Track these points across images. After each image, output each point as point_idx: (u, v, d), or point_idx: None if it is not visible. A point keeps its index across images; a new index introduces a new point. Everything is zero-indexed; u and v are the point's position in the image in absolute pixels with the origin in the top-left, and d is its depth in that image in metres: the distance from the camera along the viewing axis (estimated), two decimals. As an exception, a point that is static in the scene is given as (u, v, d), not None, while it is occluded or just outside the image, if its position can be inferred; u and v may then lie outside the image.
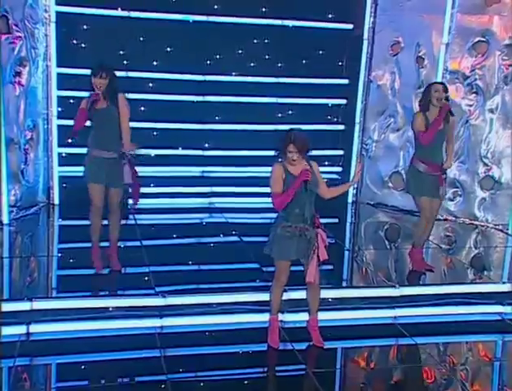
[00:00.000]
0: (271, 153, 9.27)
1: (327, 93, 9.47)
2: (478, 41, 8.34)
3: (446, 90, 6.35)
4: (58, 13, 8.08)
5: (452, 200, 8.64)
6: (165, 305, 5.48)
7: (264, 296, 5.50)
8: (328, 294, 5.79)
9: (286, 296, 5.37)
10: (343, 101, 9.45)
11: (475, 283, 6.64)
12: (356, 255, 7.56)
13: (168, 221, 8.29)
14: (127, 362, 5.04)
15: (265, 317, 5.33)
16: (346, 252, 7.57)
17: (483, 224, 8.40)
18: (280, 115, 9.46)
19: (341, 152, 9.44)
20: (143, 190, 8.43)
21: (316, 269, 4.95)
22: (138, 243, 7.00)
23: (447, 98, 6.32)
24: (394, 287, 6.13)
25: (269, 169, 8.85)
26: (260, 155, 9.08)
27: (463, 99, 8.51)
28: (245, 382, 4.93)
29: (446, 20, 8.38)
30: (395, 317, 5.91)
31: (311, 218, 4.92)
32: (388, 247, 7.86)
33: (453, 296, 6.21)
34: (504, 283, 6.46)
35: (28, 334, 5.19)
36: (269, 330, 5.20)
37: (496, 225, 8.32)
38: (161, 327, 5.40)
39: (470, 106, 8.48)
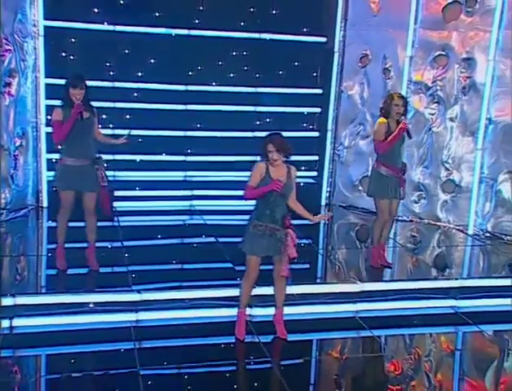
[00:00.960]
0: (250, 158, 9.39)
1: (302, 102, 9.58)
2: (439, 54, 8.44)
3: (405, 104, 6.46)
4: (46, 27, 8.12)
5: (417, 203, 8.74)
6: (140, 300, 5.59)
7: (233, 292, 5.62)
8: (294, 290, 5.90)
9: (254, 291, 5.47)
10: (318, 109, 9.53)
11: (431, 279, 6.77)
12: (329, 254, 7.66)
13: (151, 223, 8.36)
14: (104, 353, 5.16)
15: (233, 311, 5.44)
16: (320, 251, 7.70)
17: (445, 225, 8.51)
18: (258, 122, 9.54)
19: (316, 158, 9.53)
20: (129, 193, 8.78)
21: (286, 264, 5.09)
22: (119, 244, 7.12)
23: (405, 111, 6.42)
24: (355, 283, 6.28)
25: (247, 173, 8.89)
26: (239, 161, 9.22)
27: (426, 108, 8.61)
28: (213, 372, 5.00)
29: (409, 35, 8.50)
30: (356, 311, 6.03)
31: (282, 219, 5.05)
32: (358, 246, 7.97)
33: (411, 292, 6.32)
34: (457, 279, 6.59)
35: (11, 328, 5.29)
36: (237, 323, 5.34)
37: (456, 225, 8.43)
38: (137, 321, 5.51)
39: (433, 114, 8.57)
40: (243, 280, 5.30)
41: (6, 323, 5.26)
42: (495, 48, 7.85)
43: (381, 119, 6.45)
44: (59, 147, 6.15)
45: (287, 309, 5.57)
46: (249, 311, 5.61)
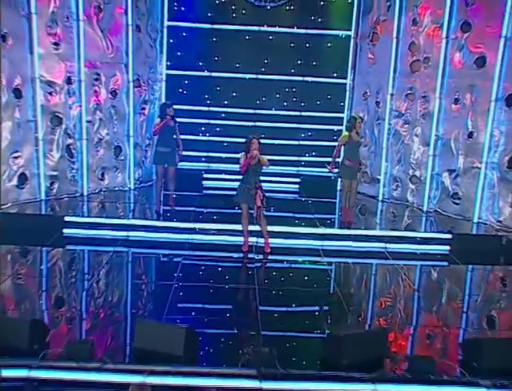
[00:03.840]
0: (295, 158, 11.55)
1: (333, 122, 11.39)
2: (408, 93, 10.00)
3: (362, 121, 8.75)
4: (167, 75, 10.96)
5: (395, 190, 10.43)
6: (194, 227, 8.41)
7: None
8: (284, 229, 8.45)
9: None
10: (343, 127, 11.06)
11: (370, 228, 8.91)
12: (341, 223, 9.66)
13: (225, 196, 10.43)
14: (174, 255, 7.88)
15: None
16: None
17: (412, 205, 10.16)
18: (302, 135, 11.57)
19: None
20: (217, 176, 11.28)
21: (258, 210, 7.63)
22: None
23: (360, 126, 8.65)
24: (318, 227, 8.64)
25: (291, 168, 10.91)
26: (288, 160, 11.42)
27: (401, 128, 10.17)
28: (227, 266, 7.68)
29: (390, 79, 10.13)
30: (320, 245, 8.30)
31: (255, 183, 7.60)
32: (358, 216, 9.78)
33: (357, 236, 8.46)
34: (386, 230, 8.74)
35: (127, 236, 8.26)
36: (243, 243, 8.02)
37: (418, 205, 10.07)
38: (192, 239, 8.25)
39: (405, 132, 10.14)
40: (241, 219, 7.91)
41: (124, 234, 8.27)
42: (440, 90, 9.46)
43: (345, 133, 8.80)
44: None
45: (276, 240, 8.12)
46: (256, 240, 8.21)
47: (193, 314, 6.17)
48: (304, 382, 4.83)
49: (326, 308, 6.54)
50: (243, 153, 7.68)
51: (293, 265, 7.91)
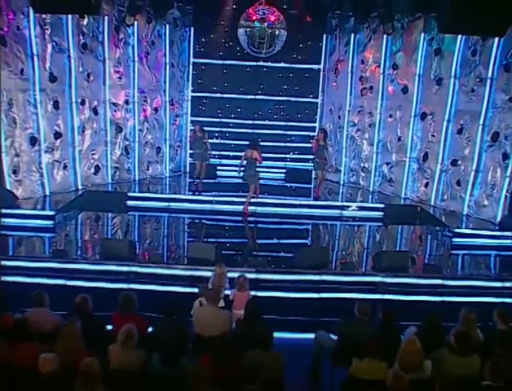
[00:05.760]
0: (281, 156, 14.67)
1: (309, 129, 14.01)
2: (360, 110, 12.84)
3: (324, 130, 11.96)
4: (192, 96, 14.03)
5: (351, 177, 13.41)
6: (212, 200, 11.61)
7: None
8: (273, 201, 11.72)
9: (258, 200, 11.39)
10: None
11: (335, 201, 12.12)
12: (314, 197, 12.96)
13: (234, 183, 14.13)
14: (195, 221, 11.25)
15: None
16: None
17: (363, 188, 13.09)
18: (288, 139, 14.32)
19: (317, 158, 14.75)
20: (227, 168, 14.30)
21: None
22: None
23: (325, 134, 11.83)
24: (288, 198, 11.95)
25: (280, 163, 14.10)
26: (277, 157, 14.00)
27: (355, 134, 13.04)
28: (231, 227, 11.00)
29: (347, 100, 12.98)
30: (296, 211, 11.59)
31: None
32: (326, 195, 12.71)
33: (321, 206, 11.74)
34: (343, 201, 12.01)
35: (168, 206, 11.46)
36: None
37: (366, 188, 13.05)
38: (212, 208, 11.45)
39: (358, 137, 13.04)
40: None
41: (166, 204, 11.53)
42: (380, 108, 12.46)
43: (315, 140, 12.01)
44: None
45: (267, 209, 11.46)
46: (254, 208, 11.51)
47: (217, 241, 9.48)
48: (279, 274, 8.12)
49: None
50: (245, 152, 10.88)
51: (277, 221, 11.18)
